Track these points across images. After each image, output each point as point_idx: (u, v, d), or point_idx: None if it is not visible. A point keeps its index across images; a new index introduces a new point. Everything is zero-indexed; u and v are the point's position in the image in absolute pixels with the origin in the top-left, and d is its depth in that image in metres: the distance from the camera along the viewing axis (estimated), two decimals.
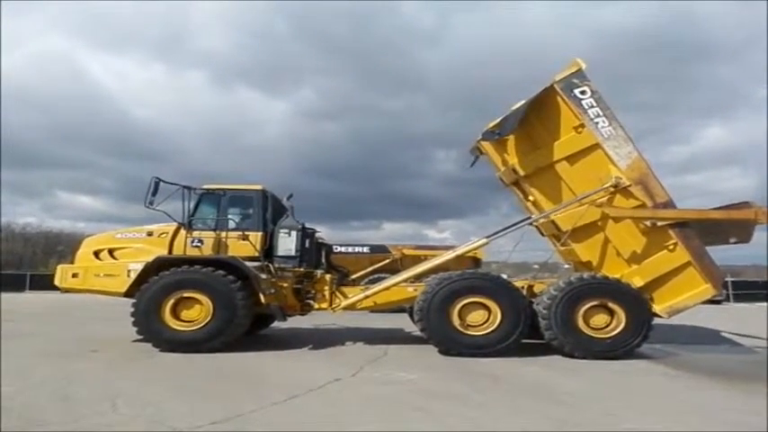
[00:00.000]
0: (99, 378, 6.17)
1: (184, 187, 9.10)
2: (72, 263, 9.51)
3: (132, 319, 8.26)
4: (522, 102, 8.54)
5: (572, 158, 8.72)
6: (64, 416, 4.48)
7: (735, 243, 8.85)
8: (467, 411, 4.91)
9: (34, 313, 15.72)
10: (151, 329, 8.22)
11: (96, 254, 9.23)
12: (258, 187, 9.57)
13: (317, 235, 10.41)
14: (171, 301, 8.26)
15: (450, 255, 9.57)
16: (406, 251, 18.00)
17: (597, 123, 8.43)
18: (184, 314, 8.32)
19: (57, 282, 9.21)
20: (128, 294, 8.63)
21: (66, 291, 9.51)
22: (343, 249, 18.17)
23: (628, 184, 8.47)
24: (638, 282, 8.49)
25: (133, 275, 8.62)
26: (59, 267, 9.38)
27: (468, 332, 8.21)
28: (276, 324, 10.85)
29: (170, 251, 9.00)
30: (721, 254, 9.13)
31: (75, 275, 9.05)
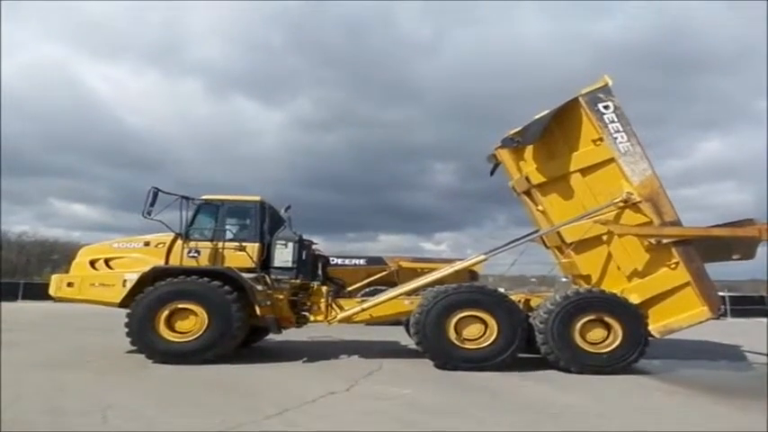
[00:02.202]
0: (90, 389, 6.11)
1: (183, 197, 9.09)
2: (67, 272, 9.46)
3: (126, 329, 8.19)
4: (546, 111, 8.65)
5: (586, 171, 8.81)
6: (53, 427, 4.43)
7: (738, 260, 8.85)
8: (463, 426, 4.87)
9: (27, 322, 15.59)
10: (145, 340, 8.15)
11: (92, 263, 9.17)
12: (256, 198, 9.56)
13: (314, 247, 10.40)
14: (166, 312, 8.20)
15: (448, 270, 9.57)
16: (403, 263, 17.94)
17: (616, 138, 8.54)
18: (179, 325, 8.26)
19: (51, 291, 9.13)
20: (123, 305, 8.56)
21: (61, 300, 9.44)
22: (339, 261, 18.09)
23: (638, 200, 8.52)
24: (634, 298, 8.47)
25: (129, 285, 8.56)
26: (54, 276, 9.32)
27: (465, 346, 8.16)
28: (271, 336, 10.77)
29: (167, 261, 8.95)
30: (720, 268, 9.15)
31: (70, 285, 8.98)
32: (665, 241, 8.49)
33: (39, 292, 26.99)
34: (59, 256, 47.50)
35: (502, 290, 9.84)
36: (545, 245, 10.21)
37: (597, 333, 8.17)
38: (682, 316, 8.51)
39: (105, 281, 8.88)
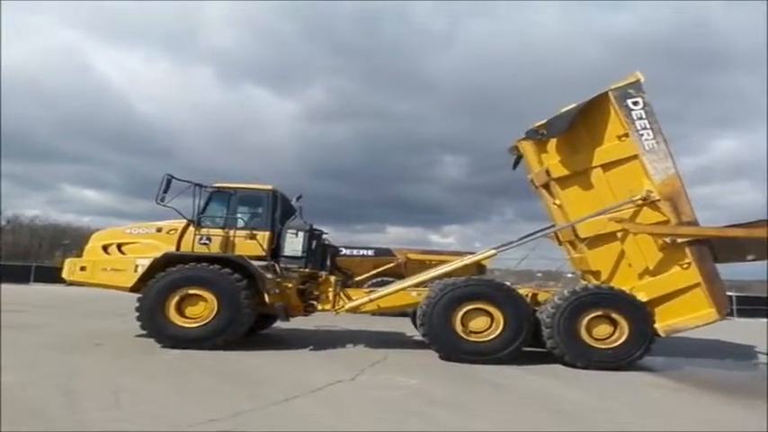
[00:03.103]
0: (102, 372, 6.24)
1: (196, 185, 9.17)
2: (79, 256, 9.60)
3: (137, 314, 8.32)
4: (573, 105, 8.63)
5: (608, 166, 8.77)
6: (66, 409, 4.53)
7: (752, 260, 8.81)
8: (466, 418, 4.93)
9: (39, 305, 15.83)
10: (155, 325, 8.27)
11: (105, 248, 9.31)
12: (269, 187, 9.63)
13: (323, 237, 10.47)
14: (176, 298, 8.32)
15: (457, 264, 9.61)
16: (411, 255, 18.01)
17: (642, 135, 8.48)
18: (189, 311, 8.38)
19: (64, 274, 9.30)
20: (134, 289, 8.70)
21: (73, 284, 9.59)
22: (347, 252, 18.19)
23: (657, 198, 8.49)
24: (642, 296, 8.46)
25: (140, 271, 8.69)
26: (68, 260, 9.48)
27: (471, 339, 8.21)
28: (277, 324, 10.89)
29: (178, 248, 9.07)
30: (728, 267, 9.09)
31: (82, 269, 9.14)
32: (679, 241, 8.47)
33: (50, 275, 27.38)
34: (71, 240, 48.05)
35: (509, 283, 9.86)
36: (557, 240, 10.22)
37: (604, 329, 8.19)
38: (688, 316, 8.50)
39: (117, 266, 9.02)
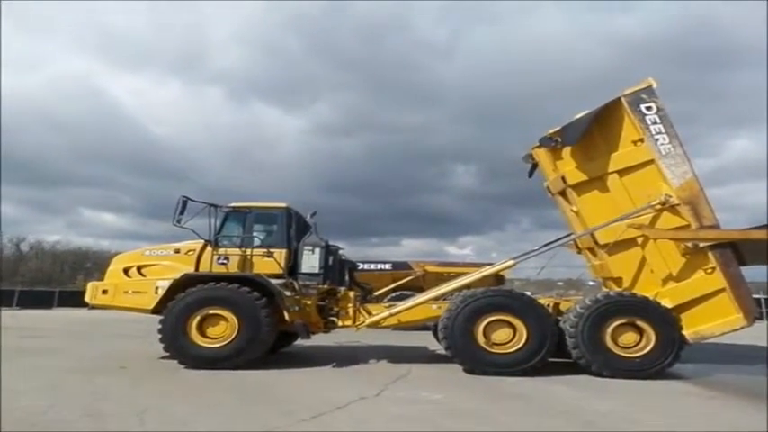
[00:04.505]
0: (126, 394, 6.26)
1: (211, 205, 9.26)
2: (101, 279, 9.72)
3: (159, 335, 8.37)
4: (586, 111, 8.64)
5: (624, 172, 8.72)
6: (92, 431, 4.54)
7: None
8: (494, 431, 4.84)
9: (62, 329, 16.03)
10: (178, 346, 8.31)
11: (125, 271, 9.40)
12: (283, 205, 9.69)
13: (340, 252, 10.47)
14: (197, 318, 8.35)
15: (476, 275, 9.55)
16: (429, 268, 17.93)
17: (657, 140, 8.45)
18: (210, 331, 8.40)
19: (87, 298, 9.40)
20: (156, 311, 8.76)
21: (96, 307, 9.70)
22: (365, 266, 18.18)
23: (676, 203, 8.40)
24: (667, 302, 8.31)
25: (161, 292, 8.75)
26: (90, 284, 9.58)
27: (494, 350, 8.11)
28: (299, 341, 10.87)
29: (197, 268, 9.13)
30: (755, 270, 8.92)
31: (104, 292, 9.23)
32: (701, 245, 8.31)
33: (74, 299, 27.71)
34: (92, 264, 48.72)
35: (529, 293, 9.76)
36: (577, 248, 10.11)
37: (629, 337, 8.02)
38: (715, 323, 8.32)
39: (138, 288, 9.10)
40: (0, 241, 50.81)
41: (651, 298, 8.28)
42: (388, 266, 18.63)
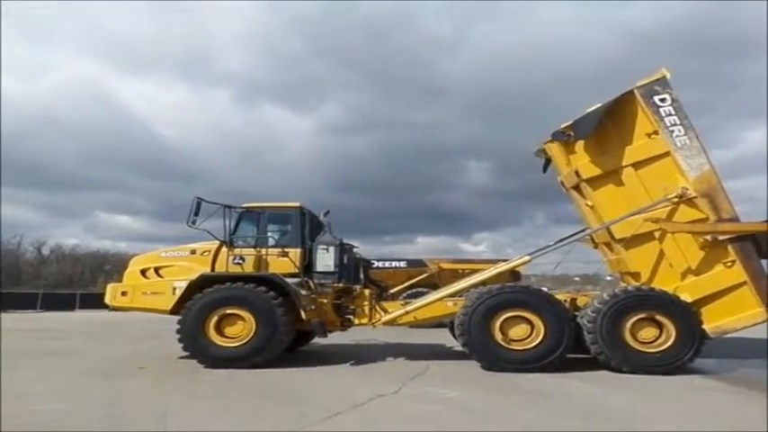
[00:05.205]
0: (146, 395, 6.32)
1: (225, 206, 9.31)
2: (119, 281, 9.84)
3: (178, 336, 8.46)
4: (598, 105, 8.54)
5: (639, 165, 8.61)
6: None
7: None
8: (513, 429, 4.80)
9: (84, 331, 16.28)
10: (196, 346, 8.39)
11: (143, 272, 9.51)
12: (296, 204, 9.72)
13: (354, 250, 10.48)
14: (215, 318, 8.42)
15: (492, 271, 9.49)
16: (444, 265, 17.82)
17: (672, 132, 8.33)
18: (228, 330, 8.47)
19: (107, 300, 9.53)
20: (174, 312, 8.84)
21: (116, 309, 9.82)
22: (379, 264, 18.16)
23: (693, 195, 8.27)
24: (687, 297, 8.19)
25: (178, 293, 8.84)
26: (109, 286, 9.71)
27: (511, 347, 8.07)
28: (316, 340, 10.91)
29: (213, 268, 9.21)
30: None
31: (123, 294, 9.34)
32: (720, 238, 8.17)
33: (94, 301, 28.14)
34: (110, 266, 49.43)
35: (545, 289, 9.67)
36: (593, 242, 10.00)
37: (649, 332, 7.93)
38: (737, 317, 8.17)
39: (156, 289, 9.19)
40: None
41: (670, 292, 8.16)
42: (402, 264, 18.61)
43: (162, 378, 7.54)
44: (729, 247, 8.18)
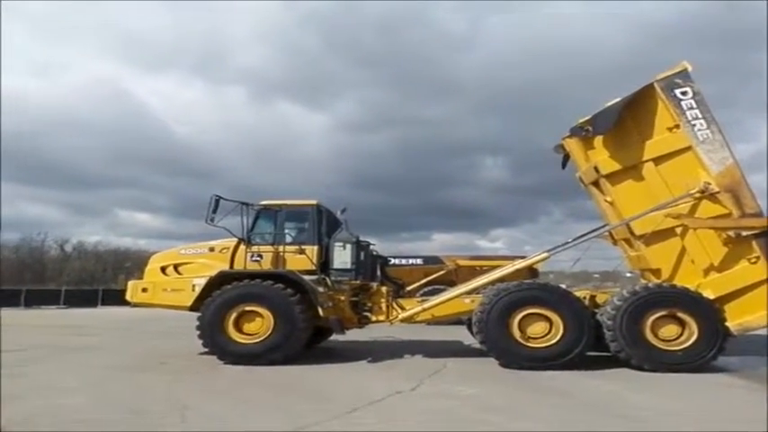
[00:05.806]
0: (168, 391, 6.41)
1: (243, 204, 9.39)
2: (141, 278, 9.99)
3: (198, 332, 8.56)
4: (617, 99, 8.41)
5: (660, 159, 8.46)
6: (135, 428, 4.67)
7: None
8: (531, 427, 4.78)
9: (107, 327, 16.59)
10: (216, 342, 8.48)
11: (163, 269, 9.64)
12: (313, 202, 9.76)
13: (371, 247, 10.49)
14: (234, 315, 8.50)
15: (509, 268, 9.43)
16: (461, 262, 17.82)
17: (694, 126, 8.18)
18: (246, 327, 8.54)
19: (128, 296, 9.69)
20: (193, 308, 8.94)
21: (137, 305, 9.98)
22: (396, 261, 18.16)
23: (716, 190, 8.11)
24: (709, 293, 8.04)
25: (197, 290, 8.93)
26: (130, 283, 9.88)
27: (530, 344, 8.01)
28: (334, 337, 10.96)
29: (231, 265, 9.29)
30: None
31: (144, 290, 9.49)
32: (744, 234, 8.00)
33: (116, 298, 28.57)
34: (132, 263, 50.20)
35: (564, 286, 9.59)
36: (612, 239, 9.87)
37: (670, 329, 7.81)
38: (761, 314, 7.99)
39: (176, 286, 9.32)
40: None
41: (692, 289, 8.03)
42: (419, 261, 18.56)
43: (183, 373, 7.65)
44: (754, 243, 8.01)
